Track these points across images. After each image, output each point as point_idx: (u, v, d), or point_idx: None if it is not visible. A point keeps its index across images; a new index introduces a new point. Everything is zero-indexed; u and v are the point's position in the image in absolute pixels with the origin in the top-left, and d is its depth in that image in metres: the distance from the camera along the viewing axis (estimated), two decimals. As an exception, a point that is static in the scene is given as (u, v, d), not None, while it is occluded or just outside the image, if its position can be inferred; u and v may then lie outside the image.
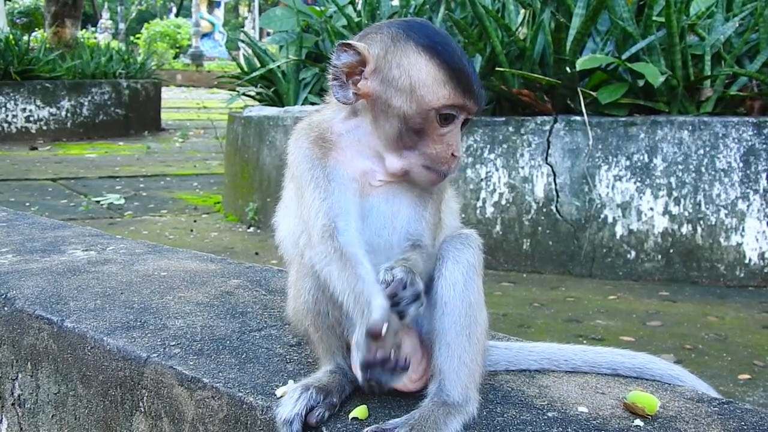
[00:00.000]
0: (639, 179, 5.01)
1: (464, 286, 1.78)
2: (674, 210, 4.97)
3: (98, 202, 7.86)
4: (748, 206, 4.90)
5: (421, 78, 1.75)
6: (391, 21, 1.87)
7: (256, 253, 5.61)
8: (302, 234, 1.86)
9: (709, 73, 5.24)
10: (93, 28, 39.00)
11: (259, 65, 7.63)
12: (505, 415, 1.79)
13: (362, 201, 1.83)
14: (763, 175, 4.89)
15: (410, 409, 1.76)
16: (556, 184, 5.14)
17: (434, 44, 1.77)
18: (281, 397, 1.81)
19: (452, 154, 1.78)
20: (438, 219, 1.90)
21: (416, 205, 1.86)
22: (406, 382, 1.81)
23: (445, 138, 1.78)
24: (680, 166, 4.95)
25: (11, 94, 13.27)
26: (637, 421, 1.76)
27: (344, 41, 1.81)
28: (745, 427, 1.73)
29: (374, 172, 1.82)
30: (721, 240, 4.94)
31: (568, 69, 5.21)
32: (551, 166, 5.14)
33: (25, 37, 14.25)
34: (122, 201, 7.91)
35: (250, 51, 8.26)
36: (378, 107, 1.80)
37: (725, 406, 1.86)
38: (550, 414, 1.79)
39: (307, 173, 1.84)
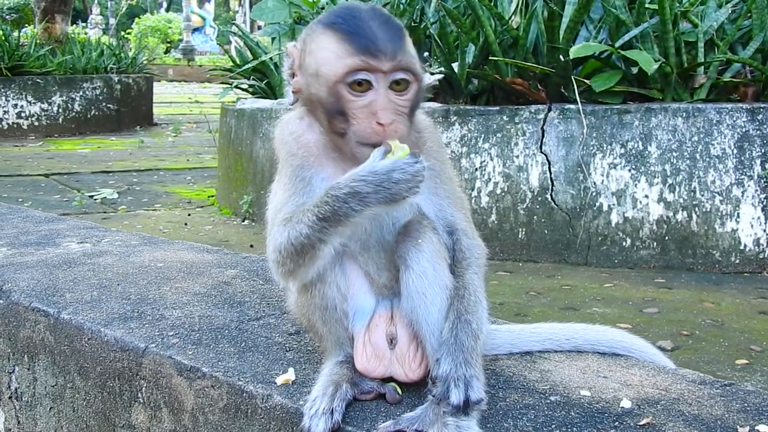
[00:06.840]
0: (633, 167, 5.01)
1: (434, 272, 1.72)
2: (669, 197, 4.97)
3: (92, 197, 7.83)
4: (742, 192, 4.91)
5: (324, 56, 1.68)
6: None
7: (251, 246, 5.60)
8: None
9: (702, 60, 5.24)
10: (83, 24, 38.86)
11: (251, 57, 7.60)
12: (507, 400, 1.78)
13: None
14: (758, 161, 4.89)
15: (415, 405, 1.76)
16: (551, 173, 5.13)
17: (336, 19, 1.69)
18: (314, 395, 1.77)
19: (378, 123, 1.67)
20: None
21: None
22: (405, 374, 1.80)
23: (367, 108, 1.68)
24: (675, 153, 4.95)
25: (2, 90, 13.19)
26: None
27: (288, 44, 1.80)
28: (748, 408, 1.73)
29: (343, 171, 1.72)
30: (716, 226, 4.94)
31: (561, 57, 5.19)
32: (546, 155, 5.13)
33: (15, 33, 14.14)
34: (116, 196, 7.89)
35: (241, 43, 8.22)
36: (308, 101, 1.78)
37: (728, 388, 1.86)
38: (552, 398, 1.78)
39: (288, 179, 1.83)
